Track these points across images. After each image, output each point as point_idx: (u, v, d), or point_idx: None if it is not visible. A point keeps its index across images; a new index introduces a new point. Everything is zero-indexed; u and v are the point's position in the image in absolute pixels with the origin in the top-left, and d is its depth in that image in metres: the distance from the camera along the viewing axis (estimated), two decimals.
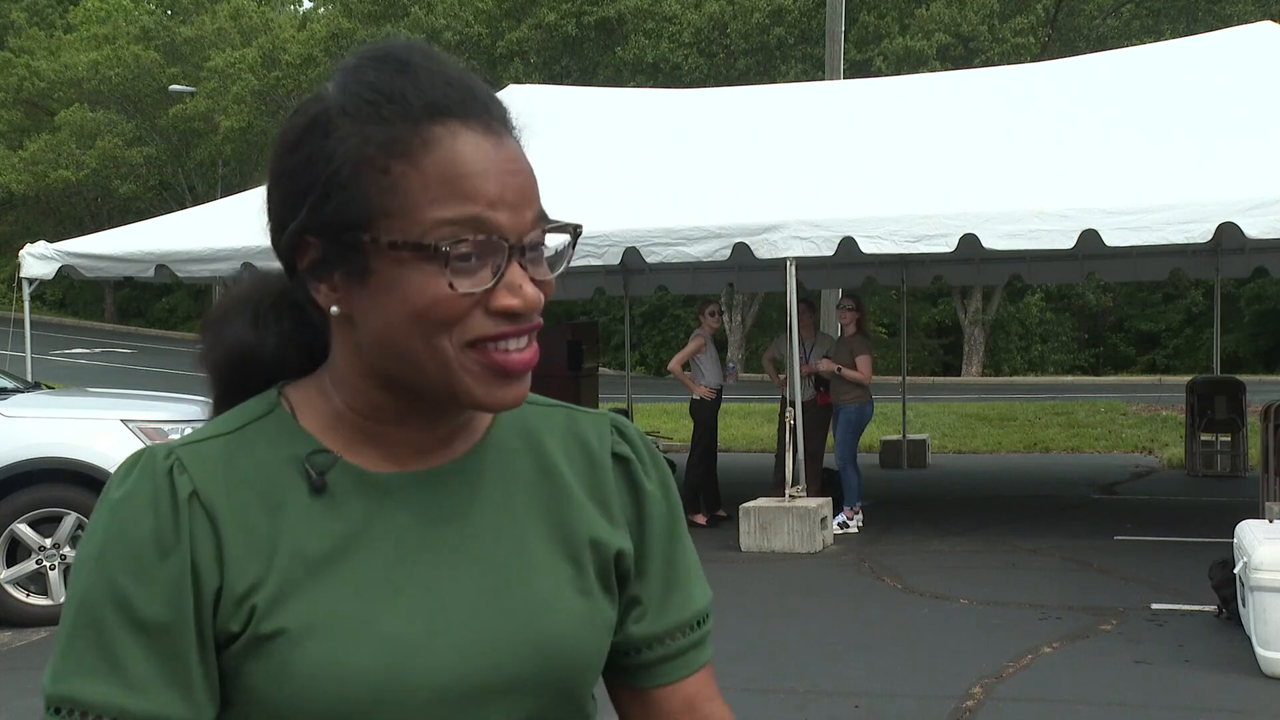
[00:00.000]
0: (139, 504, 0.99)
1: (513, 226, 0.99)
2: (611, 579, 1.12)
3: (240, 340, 1.12)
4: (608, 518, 1.13)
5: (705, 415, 10.57)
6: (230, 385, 1.12)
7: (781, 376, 10.63)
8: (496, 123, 1.02)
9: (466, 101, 1.01)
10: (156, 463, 1.01)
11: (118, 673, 0.96)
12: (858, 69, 25.43)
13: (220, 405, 1.13)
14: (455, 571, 1.04)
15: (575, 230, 1.05)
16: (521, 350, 1.01)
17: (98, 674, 0.96)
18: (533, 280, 1.01)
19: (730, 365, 10.80)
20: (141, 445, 7.09)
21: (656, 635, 1.14)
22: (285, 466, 1.04)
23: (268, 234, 1.06)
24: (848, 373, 10.09)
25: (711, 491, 10.61)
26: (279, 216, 1.04)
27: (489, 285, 0.98)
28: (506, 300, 0.99)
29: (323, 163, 1.00)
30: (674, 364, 10.64)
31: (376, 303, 1.00)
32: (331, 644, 0.98)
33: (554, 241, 1.06)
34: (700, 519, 10.31)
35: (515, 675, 1.04)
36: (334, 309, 1.02)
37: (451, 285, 0.97)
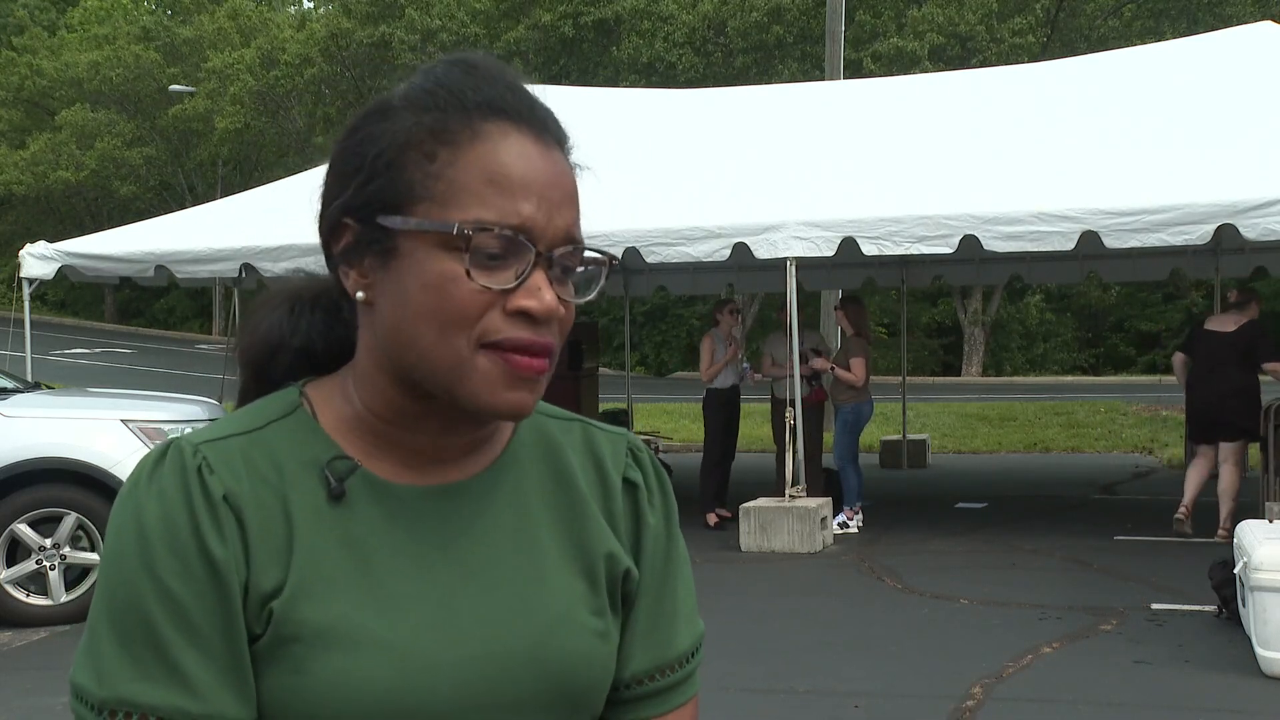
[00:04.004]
0: (176, 503, 0.98)
1: (543, 235, 0.99)
2: (618, 596, 1.11)
3: (272, 329, 1.13)
4: (616, 538, 1.13)
5: (710, 413, 10.56)
6: (258, 374, 1.13)
7: (757, 376, 10.62)
8: (549, 136, 1.03)
9: (523, 107, 1.03)
10: (186, 460, 1.00)
11: (176, 676, 0.95)
12: (850, 69, 25.42)
13: (247, 395, 1.13)
14: (470, 588, 1.04)
15: (611, 261, 1.05)
16: (534, 357, 0.99)
17: (154, 677, 0.95)
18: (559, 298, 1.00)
19: (744, 365, 10.74)
20: (141, 445, 7.10)
21: (635, 676, 1.12)
22: (304, 470, 1.03)
23: (316, 219, 1.07)
24: (840, 373, 10.10)
25: (721, 491, 10.56)
26: (327, 197, 1.05)
27: (510, 286, 0.98)
28: (523, 300, 0.98)
29: (373, 144, 1.02)
30: (705, 376, 10.54)
31: (398, 287, 0.99)
32: (345, 655, 0.97)
33: (589, 272, 1.06)
34: (711, 518, 10.29)
35: (525, 693, 1.03)
36: (359, 294, 1.02)
37: (469, 273, 0.97)
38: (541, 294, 0.98)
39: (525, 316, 0.98)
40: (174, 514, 0.97)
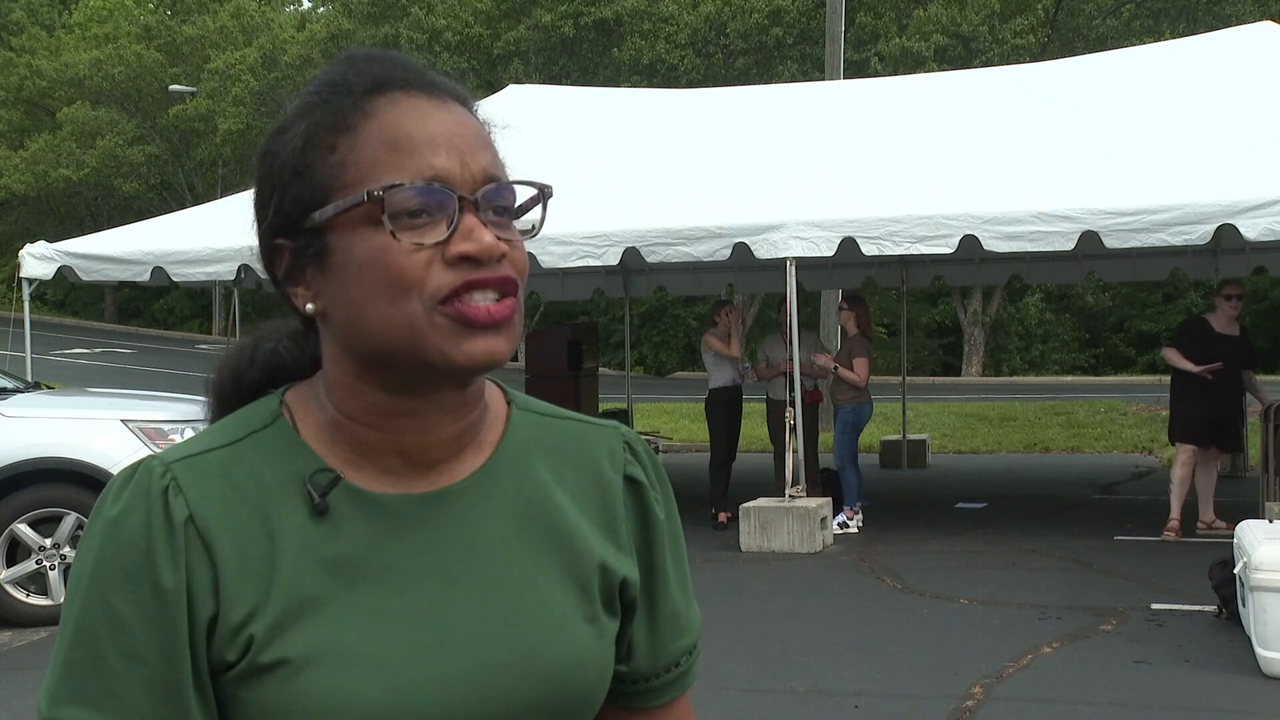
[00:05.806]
0: (133, 527, 0.97)
1: (460, 178, 0.98)
2: (615, 604, 1.10)
3: (238, 354, 1.12)
4: (614, 542, 1.11)
5: (711, 414, 10.56)
6: (222, 397, 1.11)
7: (754, 377, 10.65)
8: (443, 93, 1.03)
9: (411, 76, 1.02)
10: (152, 481, 0.98)
11: (113, 702, 0.95)
12: (854, 70, 25.40)
13: (216, 418, 1.11)
14: (460, 598, 1.02)
15: (544, 190, 1.04)
16: (489, 303, 0.97)
17: (91, 701, 0.95)
18: (498, 238, 0.98)
19: (745, 365, 10.74)
20: (141, 445, 7.09)
21: (665, 665, 1.15)
22: (286, 485, 1.01)
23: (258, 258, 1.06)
24: (844, 373, 10.09)
25: (722, 492, 10.55)
26: (258, 229, 1.05)
27: (443, 237, 0.97)
28: (459, 246, 0.96)
29: (277, 159, 1.02)
30: (734, 352, 10.45)
31: (340, 281, 0.99)
32: (333, 674, 0.96)
33: (532, 216, 1.05)
34: (722, 516, 10.27)
35: (520, 704, 1.02)
36: (310, 307, 1.02)
37: (394, 234, 0.96)
38: (476, 234, 0.97)
39: (467, 261, 0.97)
40: (129, 538, 0.96)
